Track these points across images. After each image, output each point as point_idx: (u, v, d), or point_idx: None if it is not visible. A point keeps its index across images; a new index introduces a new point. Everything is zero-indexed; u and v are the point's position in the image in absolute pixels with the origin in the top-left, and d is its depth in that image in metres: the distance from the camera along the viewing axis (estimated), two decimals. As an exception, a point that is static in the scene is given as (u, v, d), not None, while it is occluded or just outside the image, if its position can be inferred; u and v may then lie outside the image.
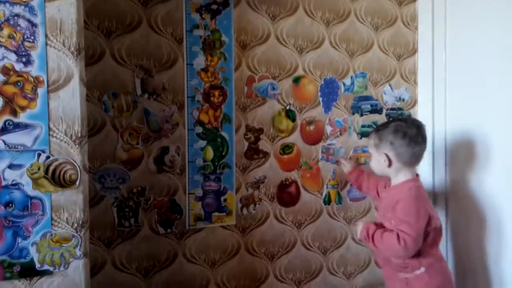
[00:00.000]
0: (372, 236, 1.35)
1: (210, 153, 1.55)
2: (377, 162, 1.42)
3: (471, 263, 1.62)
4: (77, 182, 1.09)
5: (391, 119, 1.74)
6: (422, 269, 1.37)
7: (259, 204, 1.63)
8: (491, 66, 1.52)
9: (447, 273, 1.45)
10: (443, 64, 1.74)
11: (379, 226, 1.38)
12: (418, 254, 1.34)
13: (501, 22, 1.47)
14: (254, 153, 1.62)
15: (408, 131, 1.36)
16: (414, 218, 1.31)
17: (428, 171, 1.78)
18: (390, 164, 1.38)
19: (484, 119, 1.53)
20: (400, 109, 1.83)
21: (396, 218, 1.33)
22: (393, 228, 1.33)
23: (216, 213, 1.56)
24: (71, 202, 1.10)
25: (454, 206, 1.71)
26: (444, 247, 1.69)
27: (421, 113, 1.84)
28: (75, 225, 1.10)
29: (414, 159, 1.40)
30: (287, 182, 1.67)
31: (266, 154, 1.63)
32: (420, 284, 1.37)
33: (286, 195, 1.68)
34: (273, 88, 1.63)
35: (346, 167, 1.65)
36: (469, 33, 1.62)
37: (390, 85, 1.81)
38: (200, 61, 1.51)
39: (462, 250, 1.66)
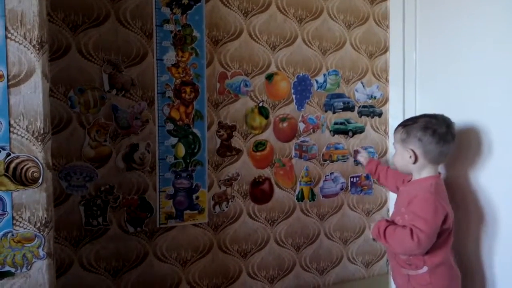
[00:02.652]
0: (384, 232, 1.31)
1: (181, 150, 1.52)
2: (401, 158, 1.38)
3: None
4: (40, 180, 1.05)
5: (419, 114, 1.50)
6: (425, 269, 1.32)
7: (232, 201, 1.62)
8: (460, 64, 1.55)
9: (453, 280, 1.36)
10: (414, 63, 1.77)
11: (391, 223, 1.35)
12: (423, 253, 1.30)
13: (470, 20, 1.50)
14: (227, 150, 1.61)
15: (438, 129, 1.33)
16: (431, 215, 1.25)
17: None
18: (416, 160, 1.35)
19: (454, 115, 1.55)
20: (372, 106, 1.86)
21: (411, 213, 1.29)
22: (406, 224, 1.28)
23: (188, 211, 1.55)
24: (33, 201, 1.06)
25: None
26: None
27: (392, 111, 1.87)
28: (38, 224, 1.06)
29: (441, 157, 1.36)
30: (260, 179, 1.67)
31: (239, 151, 1.62)
32: (419, 283, 1.33)
33: (259, 192, 1.67)
34: (246, 85, 1.62)
35: (363, 159, 1.77)
36: (439, 31, 1.65)
37: (362, 83, 1.83)
38: (170, 56, 1.49)
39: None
